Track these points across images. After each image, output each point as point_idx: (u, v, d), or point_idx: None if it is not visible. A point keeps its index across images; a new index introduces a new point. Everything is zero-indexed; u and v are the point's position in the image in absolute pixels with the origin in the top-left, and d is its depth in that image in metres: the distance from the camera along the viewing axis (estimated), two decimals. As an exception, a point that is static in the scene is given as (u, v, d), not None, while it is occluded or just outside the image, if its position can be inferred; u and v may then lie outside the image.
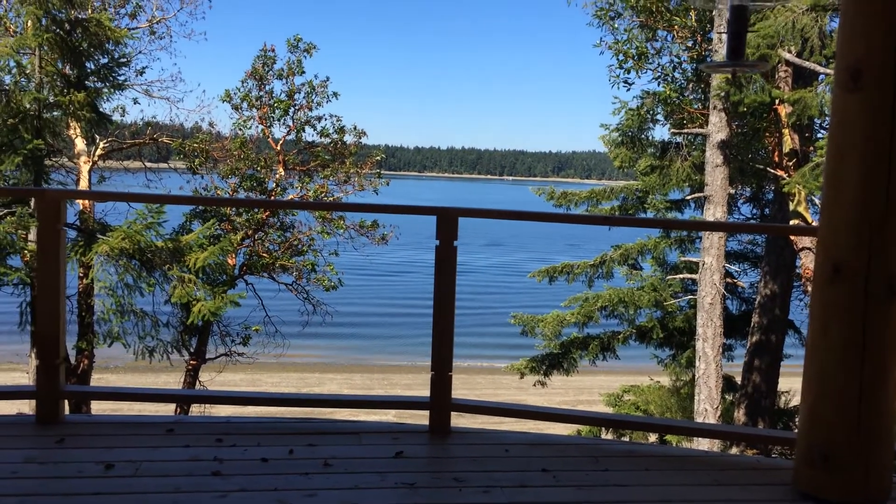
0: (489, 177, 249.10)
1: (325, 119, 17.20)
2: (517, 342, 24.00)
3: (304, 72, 16.82)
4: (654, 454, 3.58)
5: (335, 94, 17.25)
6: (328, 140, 17.28)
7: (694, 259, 13.56)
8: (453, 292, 3.59)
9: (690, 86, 12.37)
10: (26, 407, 12.78)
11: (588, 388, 25.85)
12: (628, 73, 11.75)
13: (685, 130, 12.58)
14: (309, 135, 17.27)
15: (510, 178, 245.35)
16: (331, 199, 16.96)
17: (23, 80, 12.16)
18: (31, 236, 12.19)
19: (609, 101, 14.64)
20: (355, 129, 17.54)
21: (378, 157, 18.09)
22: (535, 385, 17.01)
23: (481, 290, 39.10)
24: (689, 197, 13.76)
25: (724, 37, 10.89)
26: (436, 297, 3.58)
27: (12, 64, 11.91)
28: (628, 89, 12.27)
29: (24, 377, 20.09)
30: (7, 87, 11.82)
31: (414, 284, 42.36)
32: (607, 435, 14.54)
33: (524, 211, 3.86)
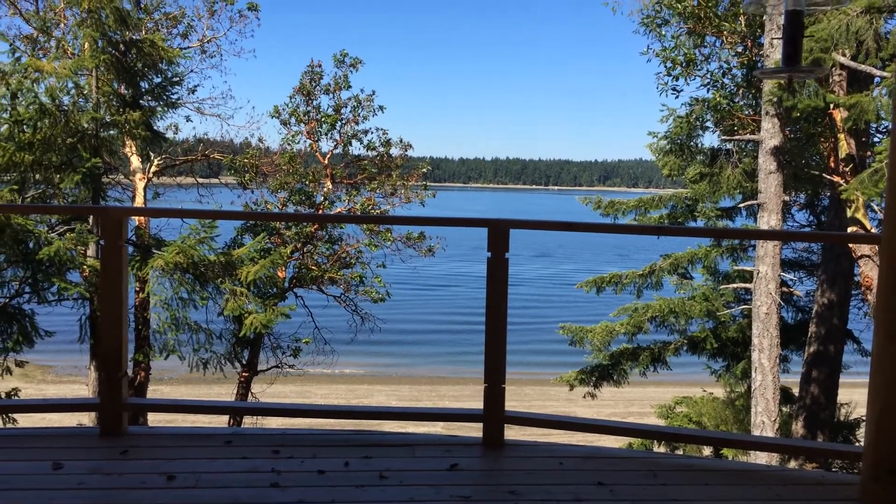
0: (534, 187, 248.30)
1: (372, 132, 17.42)
2: (566, 353, 23.81)
3: (350, 86, 17.06)
4: (712, 468, 3.51)
5: (381, 108, 17.45)
6: (374, 153, 17.47)
7: (747, 268, 13.28)
8: (505, 304, 3.59)
9: (741, 91, 12.15)
10: (86, 419, 13.13)
11: (638, 400, 25.48)
12: (676, 80, 11.60)
13: (736, 137, 12.35)
14: (356, 148, 17.52)
15: (555, 187, 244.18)
16: (377, 211, 17.12)
17: (81, 100, 12.53)
18: (90, 252, 12.55)
19: (655, 109, 14.48)
20: (401, 141, 17.72)
21: (424, 169, 18.19)
22: (584, 397, 16.83)
23: (529, 302, 38.91)
24: (742, 205, 13.50)
25: (776, 41, 10.70)
26: (488, 309, 3.58)
27: (71, 85, 12.28)
28: (677, 96, 12.11)
29: (83, 389, 20.67)
30: (66, 108, 12.19)
31: (460, 296, 42.38)
32: (659, 448, 14.30)
33: (575, 222, 3.84)
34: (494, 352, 3.58)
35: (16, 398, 12.14)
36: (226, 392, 19.54)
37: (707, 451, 14.13)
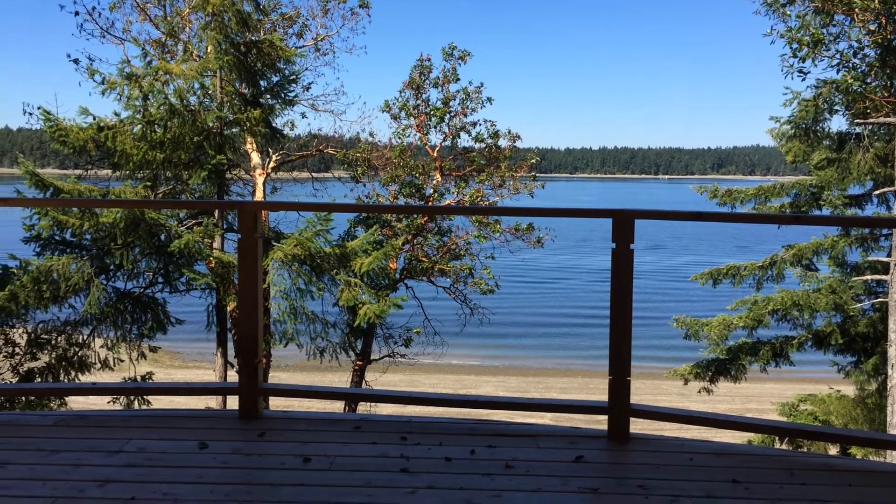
0: (643, 176, 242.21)
1: (480, 124, 17.47)
2: (677, 348, 23.16)
3: (458, 79, 17.16)
4: (855, 469, 3.33)
5: (489, 100, 17.46)
6: (483, 145, 17.51)
7: (881, 259, 12.48)
8: (630, 296, 3.53)
9: (874, 72, 11.39)
10: (213, 402, 13.86)
11: (756, 396, 24.52)
12: (803, 61, 10.98)
13: (870, 120, 11.60)
14: (464, 140, 17.61)
15: (666, 176, 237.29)
16: (486, 203, 17.18)
17: (206, 100, 13.18)
18: (216, 244, 13.20)
19: (775, 93, 13.80)
20: (509, 133, 17.68)
21: (533, 160, 18.09)
22: (699, 392, 16.33)
23: (640, 295, 37.96)
24: (875, 192, 12.68)
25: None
26: (613, 301, 3.53)
27: (197, 86, 12.94)
28: (803, 79, 11.47)
29: (208, 374, 21.82)
30: (193, 108, 12.86)
31: (569, 289, 41.92)
32: (782, 446, 13.70)
33: (704, 211, 3.72)
34: (619, 344, 3.53)
35: (149, 381, 12.96)
36: (338, 380, 20.15)
37: (833, 450, 13.43)
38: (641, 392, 24.97)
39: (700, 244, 61.64)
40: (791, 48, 11.07)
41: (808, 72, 11.34)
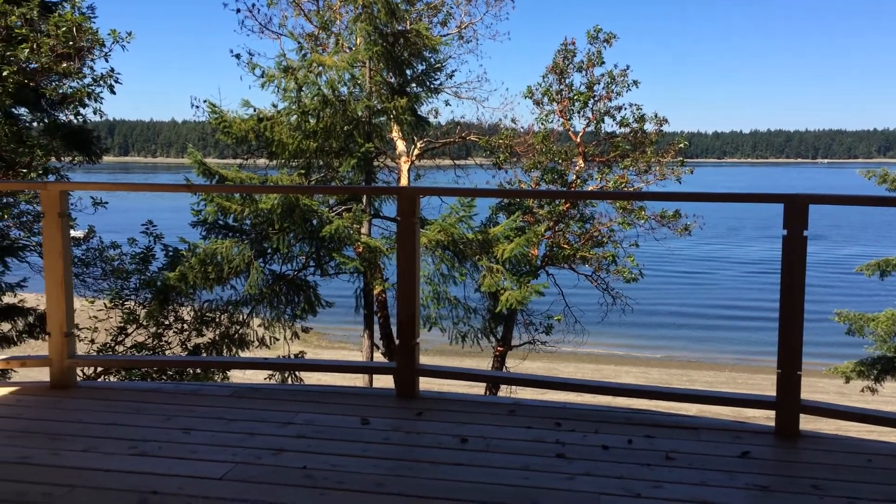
0: (799, 160, 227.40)
1: (625, 108, 17.00)
2: (837, 345, 21.64)
3: (603, 62, 16.76)
4: None
5: (635, 83, 16.95)
6: (628, 130, 17.05)
7: None
8: (803, 285, 3.34)
9: None
10: (359, 381, 14.40)
11: (928, 399, 22.54)
12: None
13: None
14: (608, 125, 17.21)
15: (825, 161, 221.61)
16: (631, 189, 16.74)
17: (356, 90, 13.65)
18: (364, 230, 13.67)
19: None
20: (655, 116, 17.11)
21: (681, 144, 17.43)
22: (862, 391, 15.24)
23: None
24: None
25: None
26: (783, 291, 3.36)
27: (348, 76, 13.42)
28: None
29: (355, 354, 22.70)
30: (344, 98, 13.35)
31: (716, 279, 40.11)
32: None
33: (888, 196, 3.44)
34: (790, 337, 3.35)
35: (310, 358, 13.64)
36: (477, 365, 20.36)
37: None
38: (795, 389, 23.59)
39: (865, 233, 57.11)
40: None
41: None
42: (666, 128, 17.41)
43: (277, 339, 13.83)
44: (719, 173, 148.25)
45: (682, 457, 3.12)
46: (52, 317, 3.99)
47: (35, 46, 9.17)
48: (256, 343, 13.64)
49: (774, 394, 3.45)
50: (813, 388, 23.52)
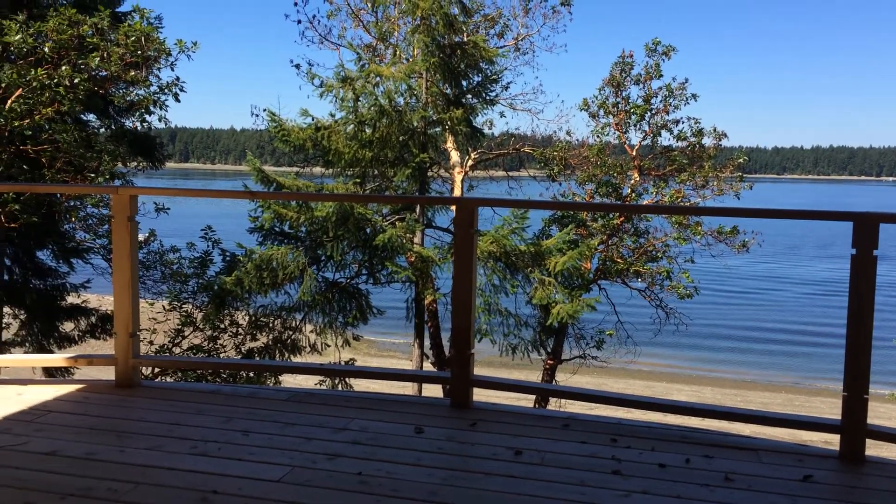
0: (863, 178, 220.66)
1: (683, 122, 16.76)
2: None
3: (661, 75, 16.57)
4: None
5: (694, 97, 16.71)
6: (685, 143, 16.80)
7: None
8: (872, 306, 3.24)
9: None
10: (409, 389, 14.45)
11: None
12: None
13: None
14: (665, 139, 16.99)
15: (890, 178, 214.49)
16: (687, 203, 16.47)
17: (412, 100, 13.77)
18: (417, 239, 13.74)
19: None
20: (714, 130, 16.82)
21: (741, 160, 17.09)
22: (928, 418, 14.64)
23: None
24: None
25: None
26: (851, 311, 3.26)
27: (404, 87, 13.55)
28: None
29: (405, 363, 22.79)
30: (400, 108, 13.48)
31: (775, 298, 39.10)
32: None
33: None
34: (857, 359, 3.25)
35: (363, 366, 13.76)
36: (526, 378, 20.24)
37: None
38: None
39: (928, 256, 54.98)
40: None
41: None
42: (725, 142, 17.13)
43: (329, 346, 13.98)
44: (777, 189, 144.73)
45: (741, 478, 3.05)
46: (118, 317, 4.11)
47: (105, 55, 9.49)
48: (308, 349, 13.82)
49: (839, 417, 3.36)
50: (874, 414, 22.63)
